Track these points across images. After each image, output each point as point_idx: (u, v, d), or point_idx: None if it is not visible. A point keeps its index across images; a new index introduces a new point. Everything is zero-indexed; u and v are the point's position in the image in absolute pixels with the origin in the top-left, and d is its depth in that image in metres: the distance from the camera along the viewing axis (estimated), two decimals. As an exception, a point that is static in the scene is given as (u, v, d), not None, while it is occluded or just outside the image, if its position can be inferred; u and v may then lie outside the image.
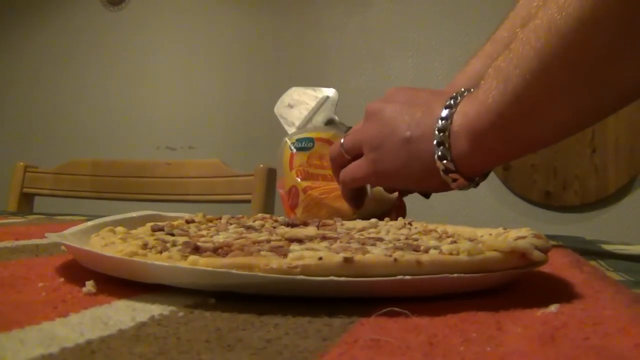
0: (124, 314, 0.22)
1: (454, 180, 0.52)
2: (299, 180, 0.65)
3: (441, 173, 0.51)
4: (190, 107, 2.81)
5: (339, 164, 0.61)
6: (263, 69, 2.70)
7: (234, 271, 0.24)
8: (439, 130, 0.50)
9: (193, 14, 2.85)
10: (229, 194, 1.20)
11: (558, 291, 0.30)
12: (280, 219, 0.47)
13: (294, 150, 0.69)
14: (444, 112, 0.51)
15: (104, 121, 2.96)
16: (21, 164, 1.32)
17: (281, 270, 0.24)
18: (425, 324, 0.22)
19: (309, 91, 0.71)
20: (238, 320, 0.22)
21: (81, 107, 3.01)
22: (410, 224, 0.46)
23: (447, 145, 0.50)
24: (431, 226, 0.44)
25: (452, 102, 0.51)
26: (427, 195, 0.63)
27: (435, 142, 0.50)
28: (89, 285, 0.26)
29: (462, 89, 0.52)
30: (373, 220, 0.47)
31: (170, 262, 0.26)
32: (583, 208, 2.21)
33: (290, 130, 0.71)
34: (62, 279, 0.28)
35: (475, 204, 2.26)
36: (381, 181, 0.58)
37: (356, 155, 0.59)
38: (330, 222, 0.46)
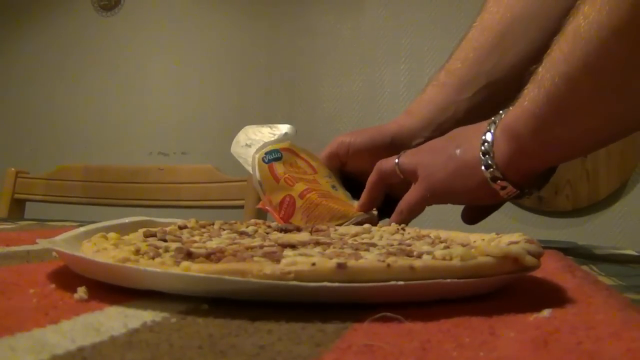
0: (115, 320, 0.22)
1: (503, 187, 0.53)
2: (292, 187, 0.64)
3: (489, 181, 0.53)
4: (183, 113, 2.81)
5: (386, 179, 0.62)
6: (256, 75, 2.70)
7: (226, 277, 0.24)
8: (483, 141, 0.52)
9: (186, 19, 2.85)
10: (222, 200, 1.20)
11: (550, 296, 0.30)
12: (273, 224, 0.47)
13: (269, 162, 0.67)
14: (488, 126, 0.53)
15: (96, 127, 2.95)
16: (12, 169, 1.32)
17: (274, 276, 0.24)
18: (418, 329, 0.22)
19: (265, 129, 0.70)
20: (231, 326, 0.22)
21: (73, 113, 3.00)
22: (403, 229, 0.46)
23: (491, 153, 0.52)
24: (424, 231, 0.44)
25: (495, 117, 0.53)
26: (495, 208, 0.64)
27: (480, 150, 0.52)
28: (81, 292, 0.25)
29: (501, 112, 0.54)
30: (366, 225, 0.47)
31: (162, 268, 0.25)
32: (575, 213, 2.22)
33: (250, 169, 0.70)
34: (53, 285, 0.28)
35: (468, 209, 2.27)
36: (436, 200, 0.60)
37: (409, 175, 0.60)
38: (324, 227, 0.46)
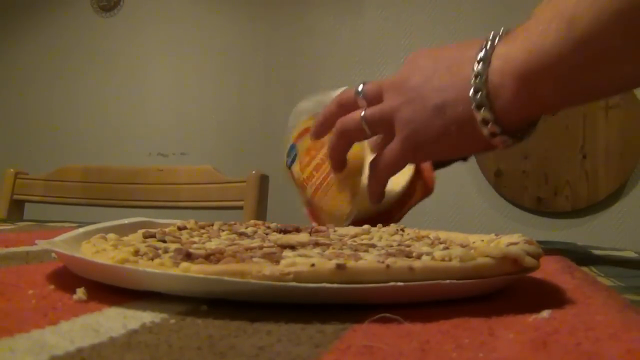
0: (115, 321, 0.22)
1: (494, 134, 0.47)
2: (306, 191, 0.64)
3: (480, 126, 0.47)
4: (182, 114, 2.81)
5: (350, 137, 0.56)
6: (255, 76, 2.70)
7: (226, 278, 0.24)
8: (476, 88, 0.46)
9: (185, 20, 2.85)
10: (221, 201, 1.20)
11: (550, 297, 0.30)
12: (272, 225, 0.47)
13: (290, 166, 0.66)
14: (478, 66, 0.47)
15: (96, 127, 2.95)
16: (11, 170, 1.32)
17: (274, 277, 0.24)
18: (417, 330, 0.22)
19: (321, 96, 0.66)
20: (230, 327, 0.22)
21: (73, 114, 3.00)
22: (402, 230, 0.46)
23: (484, 93, 0.46)
24: (423, 232, 0.44)
25: (484, 51, 0.47)
26: (465, 159, 0.60)
27: (471, 92, 0.46)
28: (80, 293, 0.25)
29: (492, 33, 0.48)
30: (365, 226, 0.47)
31: (162, 269, 0.25)
32: (574, 214, 2.22)
33: None
34: (52, 286, 0.28)
35: (467, 210, 2.27)
36: (420, 156, 0.55)
37: (378, 130, 0.55)
38: (323, 228, 0.46)
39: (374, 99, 0.56)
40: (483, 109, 0.46)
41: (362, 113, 0.55)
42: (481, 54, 0.47)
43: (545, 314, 0.24)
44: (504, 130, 0.47)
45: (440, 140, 0.50)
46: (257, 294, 0.25)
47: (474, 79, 0.46)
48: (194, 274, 0.25)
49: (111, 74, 2.95)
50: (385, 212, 0.61)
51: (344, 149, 0.58)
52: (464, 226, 2.23)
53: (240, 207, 1.15)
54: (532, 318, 0.24)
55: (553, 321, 0.24)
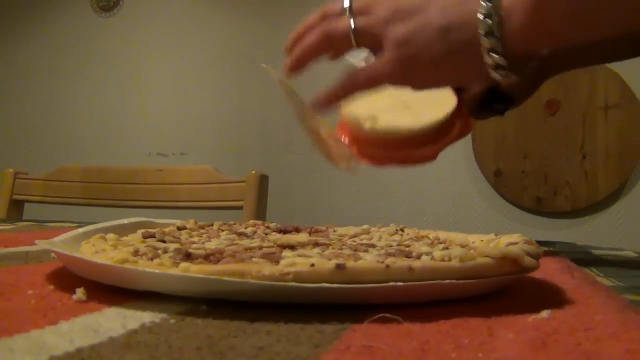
0: (114, 321, 0.22)
1: (498, 66, 0.45)
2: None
3: (484, 55, 0.45)
4: (182, 114, 2.81)
5: (334, 45, 0.53)
6: (255, 76, 2.70)
7: (226, 278, 0.24)
8: (487, 12, 0.43)
9: (185, 20, 2.85)
10: (221, 201, 1.20)
11: (550, 297, 0.30)
12: (272, 225, 0.47)
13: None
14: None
15: (95, 128, 2.94)
16: (11, 170, 1.31)
17: (273, 277, 0.24)
18: (417, 330, 0.22)
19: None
20: (230, 327, 0.22)
21: (72, 114, 3.00)
22: (402, 230, 0.46)
23: (495, 19, 0.43)
24: (423, 232, 0.44)
25: None
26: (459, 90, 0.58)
27: (481, 17, 0.44)
28: (80, 293, 0.25)
29: None
30: (365, 226, 0.47)
31: (161, 269, 0.25)
32: (574, 214, 2.22)
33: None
34: (52, 287, 0.28)
35: (467, 210, 2.27)
36: (411, 81, 0.51)
37: (367, 44, 0.51)
38: (323, 228, 0.46)
39: (362, 14, 0.52)
40: (491, 36, 0.44)
41: (352, 24, 0.51)
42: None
43: (545, 314, 0.24)
44: (509, 63, 0.45)
45: (438, 66, 0.48)
46: (257, 294, 0.25)
47: (484, 3, 0.44)
48: (194, 274, 0.25)
49: (111, 74, 2.95)
50: (421, 139, 0.59)
51: (317, 52, 0.54)
52: (463, 226, 2.23)
53: (240, 208, 1.15)
54: (532, 318, 0.24)
55: (553, 321, 0.24)
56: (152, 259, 0.28)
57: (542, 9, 0.43)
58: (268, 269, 0.24)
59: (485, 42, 0.44)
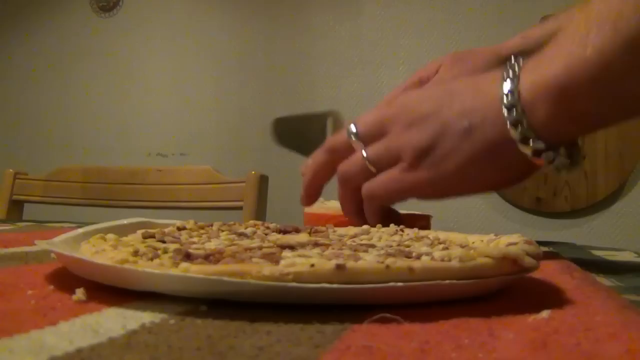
0: (114, 321, 0.22)
1: (538, 152, 0.42)
2: None
3: (520, 146, 0.42)
4: (181, 114, 2.81)
5: (349, 181, 0.51)
6: (255, 76, 2.70)
7: (225, 278, 0.24)
8: (509, 105, 0.42)
9: (185, 20, 2.85)
10: (221, 201, 1.20)
11: (549, 297, 0.30)
12: (272, 225, 0.47)
13: None
14: (507, 84, 0.42)
15: (95, 128, 2.94)
16: (11, 170, 1.31)
17: (273, 277, 0.24)
18: (417, 330, 0.22)
19: None
20: (230, 327, 0.22)
21: (72, 114, 3.00)
22: (402, 230, 0.46)
23: (519, 109, 0.41)
24: (423, 233, 0.44)
25: (511, 71, 0.43)
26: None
27: (504, 110, 0.42)
28: (79, 293, 0.25)
29: (512, 57, 0.44)
30: (365, 226, 0.47)
31: (161, 269, 0.25)
32: (573, 214, 2.22)
33: None
34: (51, 287, 0.28)
35: (467, 210, 2.27)
36: (440, 191, 0.48)
37: (386, 168, 0.49)
38: (323, 228, 0.46)
39: (372, 137, 0.50)
40: (520, 126, 0.42)
41: (364, 153, 0.50)
42: (509, 73, 0.43)
43: (545, 314, 0.24)
44: (548, 145, 0.42)
45: (467, 170, 0.45)
46: (257, 294, 0.25)
47: (505, 97, 0.42)
48: (194, 274, 0.25)
49: (111, 74, 2.95)
50: None
51: (355, 198, 0.52)
52: (463, 226, 2.23)
53: (240, 208, 1.15)
54: (531, 318, 0.24)
55: (553, 321, 0.24)
56: (151, 259, 0.28)
57: (567, 100, 0.41)
58: (268, 269, 0.24)
59: (516, 134, 0.42)
